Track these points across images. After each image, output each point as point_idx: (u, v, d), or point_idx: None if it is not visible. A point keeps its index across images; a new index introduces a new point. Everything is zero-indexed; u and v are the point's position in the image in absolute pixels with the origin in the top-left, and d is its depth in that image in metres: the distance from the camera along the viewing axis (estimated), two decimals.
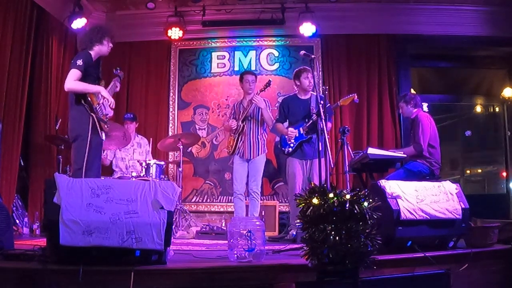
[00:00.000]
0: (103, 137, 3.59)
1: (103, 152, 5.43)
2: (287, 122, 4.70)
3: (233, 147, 4.86)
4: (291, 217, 4.66)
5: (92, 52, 3.62)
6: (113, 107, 3.64)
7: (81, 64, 3.47)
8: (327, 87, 4.90)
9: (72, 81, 3.47)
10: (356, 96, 4.66)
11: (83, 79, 3.50)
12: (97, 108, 3.54)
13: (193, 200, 6.12)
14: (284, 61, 6.35)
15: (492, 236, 3.34)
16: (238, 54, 6.42)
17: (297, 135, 4.51)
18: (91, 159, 3.49)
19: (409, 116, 4.77)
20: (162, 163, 5.16)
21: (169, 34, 6.04)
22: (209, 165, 6.20)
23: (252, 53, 6.40)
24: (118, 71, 4.03)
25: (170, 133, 6.18)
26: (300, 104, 4.63)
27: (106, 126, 3.61)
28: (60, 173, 4.52)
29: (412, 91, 6.17)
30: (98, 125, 3.55)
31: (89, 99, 3.51)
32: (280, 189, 6.03)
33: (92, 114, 3.52)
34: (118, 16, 6.26)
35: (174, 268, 2.58)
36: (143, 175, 4.86)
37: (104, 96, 3.55)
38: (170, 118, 6.32)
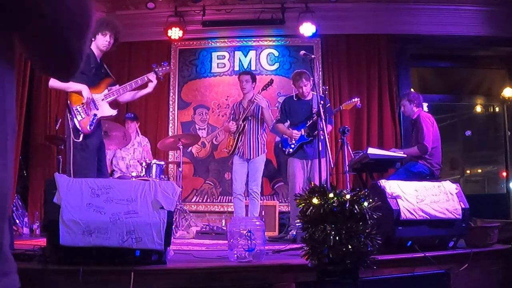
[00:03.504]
0: (80, 139, 3.46)
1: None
2: (288, 122, 4.71)
3: (233, 147, 4.86)
4: (291, 217, 4.66)
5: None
6: (85, 105, 3.49)
7: None
8: (327, 87, 4.91)
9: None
10: (359, 101, 4.67)
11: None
12: (76, 108, 3.46)
13: (193, 200, 6.12)
14: (284, 61, 6.34)
15: (492, 236, 3.34)
16: (238, 54, 6.42)
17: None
18: (78, 161, 3.44)
19: (410, 116, 4.76)
20: (162, 163, 5.16)
21: (169, 34, 6.04)
22: (209, 165, 6.20)
23: (252, 53, 6.40)
24: (156, 67, 3.91)
25: (170, 133, 6.18)
26: (301, 105, 4.64)
27: (88, 128, 3.49)
28: (60, 173, 4.53)
29: (413, 91, 6.16)
30: (72, 127, 3.47)
31: (68, 99, 3.48)
32: (280, 189, 6.03)
33: (68, 114, 3.48)
34: (118, 16, 6.25)
35: (174, 268, 2.58)
36: (143, 175, 4.86)
37: (84, 96, 3.45)
38: (170, 118, 6.32)
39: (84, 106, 3.49)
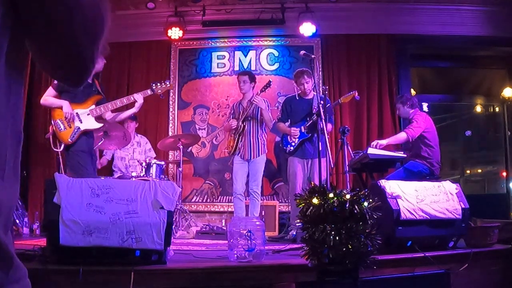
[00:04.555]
0: (60, 148, 3.84)
1: (103, 152, 5.46)
2: (289, 122, 4.72)
3: (234, 147, 4.86)
4: (291, 217, 4.66)
5: None
6: (69, 118, 3.82)
7: (56, 82, 3.84)
8: (327, 87, 4.92)
9: (44, 97, 3.88)
10: (356, 93, 4.68)
11: (60, 95, 3.85)
12: (57, 121, 3.83)
13: (193, 200, 6.12)
14: (284, 61, 6.34)
15: (492, 236, 3.34)
16: (238, 54, 6.42)
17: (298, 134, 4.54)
18: (76, 166, 3.79)
19: (407, 117, 4.79)
20: (162, 163, 5.15)
21: (169, 34, 6.03)
22: (209, 165, 6.20)
23: (252, 53, 6.40)
24: (154, 85, 4.23)
25: (170, 133, 6.17)
26: (302, 104, 4.65)
27: (69, 139, 3.82)
28: (60, 173, 4.54)
29: (412, 91, 6.17)
30: (53, 138, 3.84)
31: (51, 113, 3.90)
32: (280, 189, 6.03)
33: (51, 126, 3.87)
34: (118, 16, 6.26)
35: (174, 268, 2.58)
36: (143, 175, 4.85)
37: (64, 111, 3.81)
38: (170, 118, 6.32)
39: (67, 119, 3.84)
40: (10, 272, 0.66)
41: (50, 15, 0.65)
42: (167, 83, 4.27)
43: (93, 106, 3.96)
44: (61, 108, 3.83)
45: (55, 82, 3.83)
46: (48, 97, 3.85)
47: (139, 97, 4.08)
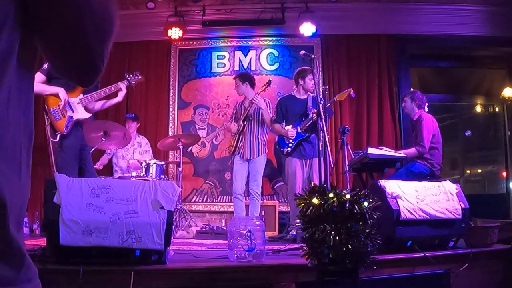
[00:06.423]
0: (57, 139, 3.73)
1: (106, 150, 5.46)
2: (285, 122, 4.71)
3: (234, 147, 4.86)
4: (291, 217, 4.66)
5: None
6: (63, 106, 3.73)
7: (45, 68, 3.64)
8: (327, 87, 4.91)
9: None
10: (352, 91, 4.67)
11: (49, 82, 3.69)
12: (53, 110, 3.72)
13: (193, 200, 6.12)
14: (284, 61, 6.34)
15: (492, 236, 3.34)
16: (238, 54, 6.42)
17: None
18: (60, 162, 3.69)
19: (411, 114, 4.75)
20: (162, 163, 5.16)
21: (169, 34, 6.04)
22: (209, 165, 6.20)
23: (252, 53, 6.40)
24: (128, 75, 4.28)
25: (170, 133, 6.17)
26: (297, 104, 4.64)
27: (64, 129, 3.74)
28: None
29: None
30: (51, 128, 3.73)
31: (46, 102, 3.75)
32: (280, 189, 6.03)
33: (46, 116, 3.73)
34: (118, 16, 6.25)
35: (174, 268, 2.58)
36: (143, 175, 4.85)
37: (61, 97, 3.70)
38: (170, 118, 6.32)
39: (60, 108, 3.74)
40: (22, 270, 0.66)
41: (60, 13, 0.65)
42: (138, 75, 4.36)
43: (81, 95, 3.90)
44: (55, 95, 3.70)
45: (44, 67, 3.62)
46: (39, 83, 3.68)
47: (123, 86, 4.13)
